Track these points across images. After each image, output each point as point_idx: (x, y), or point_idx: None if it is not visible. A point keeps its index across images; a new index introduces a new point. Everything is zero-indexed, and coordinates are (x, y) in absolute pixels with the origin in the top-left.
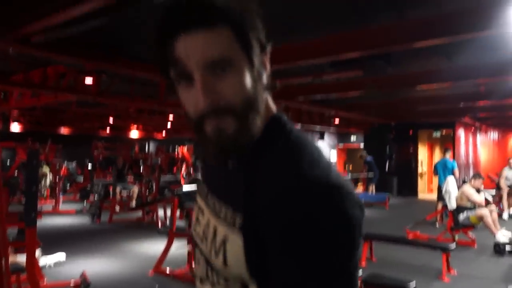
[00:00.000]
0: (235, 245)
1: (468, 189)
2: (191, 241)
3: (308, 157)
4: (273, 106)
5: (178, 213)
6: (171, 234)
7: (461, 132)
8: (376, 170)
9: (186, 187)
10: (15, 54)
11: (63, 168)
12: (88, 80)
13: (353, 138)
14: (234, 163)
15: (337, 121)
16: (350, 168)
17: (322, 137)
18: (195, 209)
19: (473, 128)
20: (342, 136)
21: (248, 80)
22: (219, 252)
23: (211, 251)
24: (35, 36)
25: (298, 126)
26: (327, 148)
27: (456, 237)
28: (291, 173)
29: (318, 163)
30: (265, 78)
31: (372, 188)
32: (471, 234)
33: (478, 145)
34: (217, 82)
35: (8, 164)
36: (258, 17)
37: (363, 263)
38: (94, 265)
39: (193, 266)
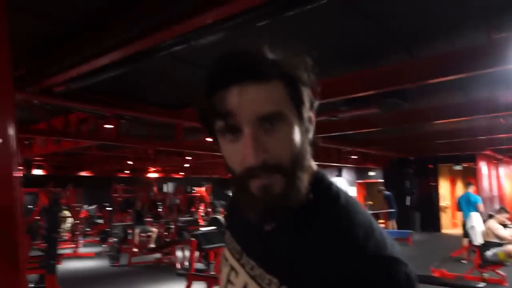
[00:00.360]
0: None
1: (493, 224)
2: (211, 283)
3: (365, 227)
4: (314, 164)
5: (196, 254)
6: (190, 276)
7: (482, 165)
8: (395, 205)
9: (205, 229)
10: (38, 104)
11: (83, 211)
12: (108, 126)
13: (371, 173)
14: (275, 225)
15: (354, 156)
16: (372, 203)
17: (340, 173)
18: (223, 268)
19: (495, 160)
20: (360, 171)
21: (297, 136)
22: None
23: None
24: (57, 86)
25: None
26: (346, 184)
27: (485, 275)
28: (348, 247)
29: (373, 232)
30: (311, 135)
31: (392, 224)
32: (501, 271)
33: (502, 178)
34: (267, 138)
35: (29, 207)
36: (310, 73)
37: None
38: None
39: None
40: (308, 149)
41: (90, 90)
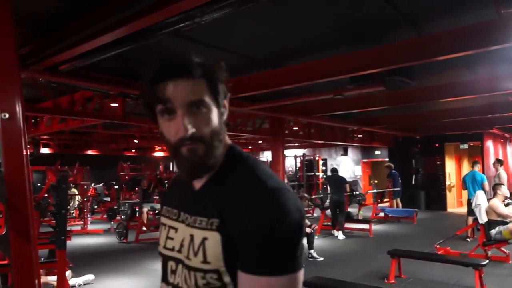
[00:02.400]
0: (214, 241)
1: (495, 202)
2: None
3: (264, 172)
4: (228, 139)
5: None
6: None
7: (489, 144)
8: (399, 184)
9: None
10: (44, 82)
11: (91, 189)
12: (114, 104)
13: (377, 152)
14: (202, 183)
15: (360, 135)
16: (376, 182)
17: (345, 152)
18: (163, 231)
19: (502, 139)
20: (366, 150)
21: (215, 117)
22: (198, 252)
23: (189, 254)
24: (62, 65)
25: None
26: (351, 163)
27: (490, 253)
28: (257, 183)
29: (271, 176)
30: (225, 117)
31: (397, 202)
32: (505, 249)
33: (509, 156)
34: (194, 117)
35: (37, 185)
36: (224, 73)
37: (392, 280)
38: (122, 285)
39: (165, 278)
40: (223, 127)
41: (95, 69)
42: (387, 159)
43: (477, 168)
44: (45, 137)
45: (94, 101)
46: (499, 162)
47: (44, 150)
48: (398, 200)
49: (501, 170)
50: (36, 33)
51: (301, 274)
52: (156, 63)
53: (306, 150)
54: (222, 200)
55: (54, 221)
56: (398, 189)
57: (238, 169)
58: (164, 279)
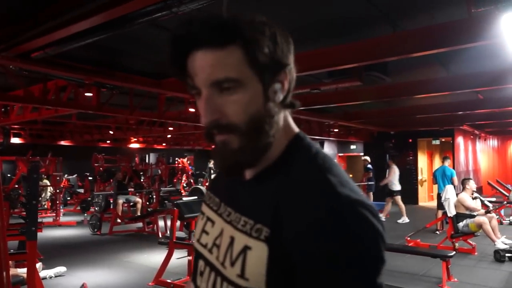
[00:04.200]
0: (259, 255)
1: (463, 195)
2: (192, 251)
3: (338, 176)
4: (294, 126)
5: (178, 223)
6: (172, 244)
7: (460, 140)
8: (373, 178)
9: (186, 198)
10: (15, 70)
11: (64, 180)
12: (88, 94)
13: (353, 146)
14: (253, 176)
15: (336, 130)
16: (351, 176)
17: (322, 146)
18: (200, 221)
19: (472, 135)
20: (342, 144)
21: (255, 99)
22: (236, 261)
23: (224, 260)
24: (34, 52)
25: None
26: None
27: (457, 245)
28: (328, 193)
29: (346, 182)
30: (281, 96)
31: (370, 196)
32: (471, 241)
33: (478, 153)
34: (221, 100)
35: (8, 176)
36: (276, 37)
37: None
38: (95, 276)
39: (194, 278)
40: (275, 112)
41: (70, 57)
42: (362, 154)
43: (447, 163)
44: (16, 126)
45: (68, 90)
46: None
47: (15, 140)
48: (371, 194)
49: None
50: (7, 18)
51: None
52: (179, 27)
53: None
54: (278, 203)
55: (25, 213)
56: (372, 183)
57: (303, 167)
58: (193, 278)
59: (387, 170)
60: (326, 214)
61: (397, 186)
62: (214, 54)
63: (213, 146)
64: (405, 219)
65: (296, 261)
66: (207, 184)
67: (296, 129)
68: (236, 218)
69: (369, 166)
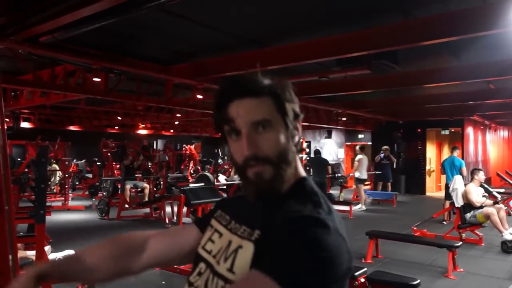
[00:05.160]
0: (246, 252)
1: (470, 187)
2: None
3: (315, 205)
4: (302, 170)
5: (185, 209)
6: None
7: (470, 130)
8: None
9: (193, 185)
10: (24, 54)
11: (72, 165)
12: (96, 79)
13: (361, 136)
14: (262, 202)
15: (344, 118)
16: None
17: (329, 135)
18: (208, 232)
19: (482, 126)
20: (350, 133)
21: (282, 138)
22: (228, 258)
23: (220, 259)
24: (43, 36)
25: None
26: (335, 146)
27: (464, 235)
28: (311, 208)
29: (330, 213)
30: (296, 140)
31: (387, 185)
32: (478, 232)
33: (488, 143)
34: (258, 137)
35: (18, 160)
36: (292, 93)
37: (369, 260)
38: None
39: (189, 276)
40: (293, 149)
41: (78, 42)
42: (370, 143)
43: (456, 153)
44: (25, 111)
45: (77, 75)
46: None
47: (25, 125)
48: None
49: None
50: (16, 2)
51: None
52: (223, 83)
53: None
54: (273, 216)
55: (34, 196)
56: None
57: (298, 195)
58: (187, 278)
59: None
60: (302, 218)
61: (363, 175)
62: (253, 101)
63: (243, 181)
64: (362, 207)
65: (265, 246)
66: (213, 171)
67: (303, 173)
68: (238, 227)
69: (381, 155)
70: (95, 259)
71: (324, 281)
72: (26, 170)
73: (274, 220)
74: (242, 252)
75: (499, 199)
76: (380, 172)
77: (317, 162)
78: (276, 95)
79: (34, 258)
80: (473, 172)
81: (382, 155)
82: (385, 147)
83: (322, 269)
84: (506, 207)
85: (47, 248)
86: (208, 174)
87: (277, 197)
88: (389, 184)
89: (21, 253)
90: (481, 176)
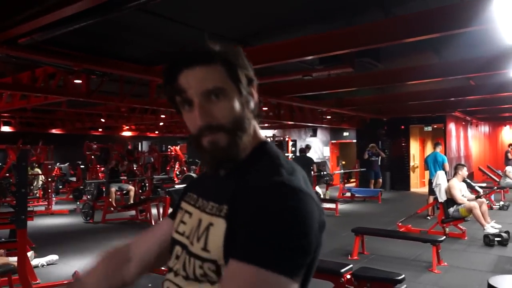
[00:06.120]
0: (218, 229)
1: (453, 182)
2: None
3: (287, 167)
4: (261, 134)
5: (170, 211)
6: None
7: (452, 126)
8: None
9: (179, 186)
10: (3, 56)
11: (56, 168)
12: (78, 81)
13: (345, 133)
14: (225, 173)
15: (329, 117)
16: (343, 163)
17: (314, 133)
18: (179, 214)
19: (463, 122)
20: (335, 131)
21: (236, 105)
22: (201, 237)
23: (193, 239)
24: (22, 38)
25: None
26: (320, 144)
27: (447, 230)
28: (273, 173)
29: (293, 173)
30: (252, 105)
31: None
32: (461, 226)
33: (469, 139)
34: (212, 106)
35: None
36: (244, 59)
37: (355, 257)
38: (87, 264)
39: (170, 261)
40: (249, 116)
41: (58, 43)
42: (354, 141)
43: (439, 149)
44: (6, 114)
45: (57, 77)
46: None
47: (5, 129)
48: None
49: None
50: None
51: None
52: (171, 54)
53: (276, 131)
54: (236, 187)
55: (15, 201)
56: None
57: (262, 162)
58: (168, 264)
59: None
60: (268, 186)
61: None
62: (203, 69)
63: (199, 150)
64: None
65: (237, 227)
66: (199, 171)
67: (262, 137)
68: (205, 204)
69: (369, 152)
70: (91, 284)
71: (303, 247)
72: (7, 174)
73: (240, 192)
74: (214, 229)
75: (481, 193)
76: (371, 170)
77: (303, 160)
78: (228, 62)
79: (15, 264)
80: (457, 168)
81: (369, 152)
82: (371, 144)
83: (298, 237)
84: (487, 201)
85: (30, 253)
86: (194, 174)
87: (238, 165)
88: (380, 180)
89: (2, 260)
90: (464, 172)
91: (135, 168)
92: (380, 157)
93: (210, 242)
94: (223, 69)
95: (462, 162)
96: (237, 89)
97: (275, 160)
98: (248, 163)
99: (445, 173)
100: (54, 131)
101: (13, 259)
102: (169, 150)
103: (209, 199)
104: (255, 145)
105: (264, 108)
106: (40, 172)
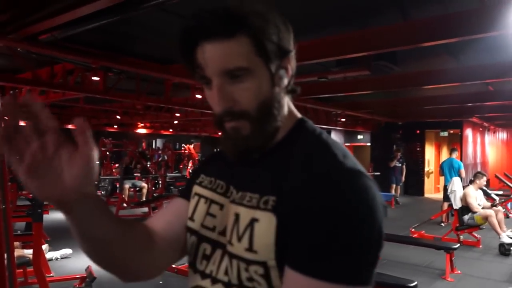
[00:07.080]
0: (266, 225)
1: (468, 189)
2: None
3: (340, 150)
4: (296, 111)
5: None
6: None
7: (468, 132)
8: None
9: None
10: (23, 52)
11: None
12: (95, 78)
13: (360, 136)
14: (257, 158)
15: (343, 119)
16: None
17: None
18: (200, 204)
19: (481, 128)
20: (349, 134)
21: (264, 86)
22: (243, 236)
23: (231, 238)
24: (42, 35)
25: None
26: None
27: (462, 237)
28: (330, 158)
29: (349, 157)
30: (286, 82)
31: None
32: (476, 234)
33: (486, 145)
34: (233, 88)
35: None
36: (278, 25)
37: None
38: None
39: (194, 262)
40: (281, 97)
41: (77, 41)
42: (369, 144)
43: (455, 155)
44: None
45: (75, 74)
46: None
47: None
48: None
49: None
50: (14, 0)
51: None
52: (187, 22)
53: None
54: (282, 173)
55: (31, 194)
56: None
57: (307, 143)
58: (191, 264)
59: None
60: (328, 171)
61: None
62: (223, 44)
63: (221, 133)
64: None
65: (291, 220)
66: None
67: (298, 114)
68: (241, 196)
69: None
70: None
71: (379, 247)
72: None
73: (288, 181)
74: (260, 226)
75: (497, 201)
76: (393, 176)
77: None
78: (255, 32)
79: (31, 257)
80: (476, 176)
81: (400, 160)
82: (397, 150)
83: (376, 239)
84: (504, 209)
85: (44, 246)
86: None
87: (274, 148)
88: (399, 187)
89: (18, 252)
90: (482, 181)
91: (148, 166)
92: (405, 164)
93: (257, 241)
94: (249, 42)
95: (480, 170)
96: (266, 66)
97: (322, 140)
98: (287, 145)
99: (461, 179)
100: (70, 126)
101: (28, 252)
102: (182, 148)
103: (242, 188)
104: (292, 124)
105: None
106: None
